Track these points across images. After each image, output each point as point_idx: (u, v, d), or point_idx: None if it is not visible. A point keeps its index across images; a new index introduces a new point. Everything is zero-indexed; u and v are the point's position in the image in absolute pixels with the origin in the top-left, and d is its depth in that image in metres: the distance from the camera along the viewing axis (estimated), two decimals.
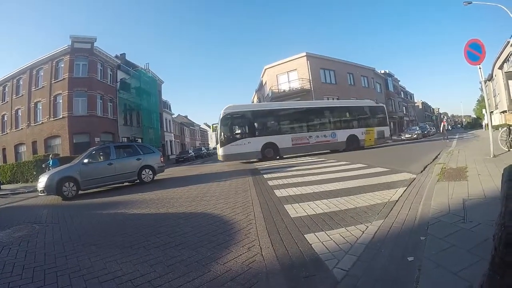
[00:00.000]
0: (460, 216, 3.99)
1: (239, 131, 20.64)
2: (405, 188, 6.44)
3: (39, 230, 6.00)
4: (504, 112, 52.52)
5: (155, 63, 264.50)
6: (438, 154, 13.98)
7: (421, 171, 8.98)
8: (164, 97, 50.81)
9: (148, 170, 13.04)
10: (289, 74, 38.29)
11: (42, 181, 10.92)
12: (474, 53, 10.10)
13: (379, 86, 54.81)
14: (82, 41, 31.20)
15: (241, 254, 3.55)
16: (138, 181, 12.84)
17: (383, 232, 3.83)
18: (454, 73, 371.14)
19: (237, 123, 20.83)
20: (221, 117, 19.62)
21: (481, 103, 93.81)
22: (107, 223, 6.05)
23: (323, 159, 17.22)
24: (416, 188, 6.27)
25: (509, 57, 43.21)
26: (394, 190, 6.33)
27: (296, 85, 36.98)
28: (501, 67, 50.81)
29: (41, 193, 10.96)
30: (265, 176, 11.10)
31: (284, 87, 37.86)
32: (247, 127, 20.87)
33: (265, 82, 42.65)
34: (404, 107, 76.15)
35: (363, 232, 3.89)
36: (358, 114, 25.55)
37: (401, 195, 5.75)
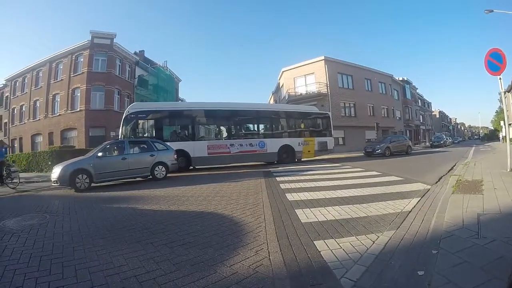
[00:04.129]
0: (474, 231, 3.90)
1: (145, 135, 17.16)
2: (418, 198, 6.37)
3: (49, 220, 6.04)
4: None
5: (173, 61, 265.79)
6: (454, 165, 13.90)
7: (436, 182, 8.88)
8: (180, 95, 51.05)
9: (161, 166, 13.00)
10: (307, 78, 38.02)
11: (55, 172, 10.98)
12: (495, 63, 9.90)
13: (396, 93, 54.12)
14: (102, 37, 31.41)
15: (248, 257, 3.51)
16: (151, 177, 12.81)
17: (394, 243, 3.76)
18: (473, 83, 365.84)
19: (143, 125, 17.61)
20: (123, 117, 16.54)
21: (499, 114, 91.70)
22: (116, 217, 6.03)
23: (338, 164, 17.18)
24: (430, 200, 6.18)
25: None
26: (408, 200, 6.26)
27: (313, 88, 36.74)
28: None
29: (54, 183, 11.03)
30: (278, 179, 11.06)
31: (301, 90, 37.80)
32: (154, 130, 17.36)
33: (282, 85, 42.63)
34: (421, 116, 75.17)
35: (373, 242, 3.83)
36: (296, 121, 22.43)
37: (414, 206, 5.69)
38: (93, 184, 11.44)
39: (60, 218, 6.17)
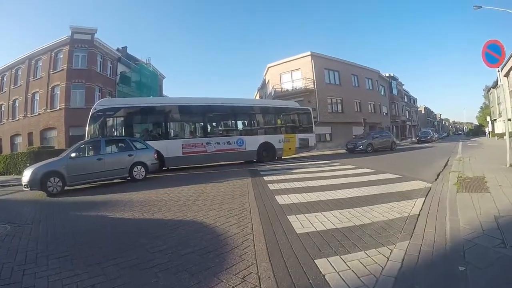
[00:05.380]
0: (498, 238, 3.36)
1: (112, 133, 15.81)
2: (423, 199, 5.77)
3: (8, 232, 5.29)
4: None
5: (157, 58, 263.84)
6: (447, 161, 13.47)
7: (435, 179, 8.33)
8: (165, 92, 49.99)
9: (140, 167, 12.17)
10: (293, 73, 37.52)
11: (26, 175, 10.05)
12: (493, 55, 9.54)
13: (383, 89, 54.25)
14: (82, 32, 30.31)
15: (233, 287, 2.73)
16: (129, 178, 11.99)
17: (412, 259, 3.06)
18: (456, 80, 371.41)
19: (112, 123, 16.08)
20: (90, 114, 15.18)
21: (484, 110, 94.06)
22: (82, 228, 5.25)
23: (327, 161, 16.63)
24: (436, 200, 5.60)
25: None
26: (412, 201, 5.63)
27: (299, 84, 36.23)
28: (507, 74, 50.56)
29: (25, 187, 10.12)
30: (265, 178, 10.37)
31: (287, 86, 37.25)
32: (123, 129, 16.10)
33: (268, 81, 41.96)
34: (407, 112, 75.84)
35: (387, 258, 3.11)
36: (276, 117, 21.53)
37: (421, 208, 5.05)
38: (66, 188, 10.50)
39: (20, 230, 5.40)
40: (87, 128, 15.05)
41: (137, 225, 5.31)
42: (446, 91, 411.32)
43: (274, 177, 10.41)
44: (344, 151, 26.90)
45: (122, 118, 16.25)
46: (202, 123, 18.97)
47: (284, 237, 4.01)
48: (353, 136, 36.75)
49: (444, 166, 11.65)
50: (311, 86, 35.61)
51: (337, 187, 7.58)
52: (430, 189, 6.71)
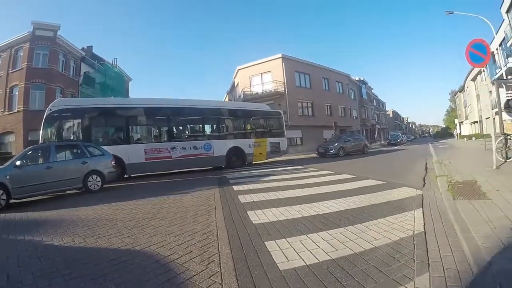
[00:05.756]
0: None
1: (70, 139, 14.09)
2: (420, 210, 5.10)
3: None
4: (505, 121, 54.03)
5: (124, 61, 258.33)
6: (426, 164, 13.11)
7: (423, 185, 7.72)
8: (131, 95, 48.26)
9: (96, 176, 10.86)
10: (263, 76, 36.79)
11: None
12: (478, 54, 9.29)
13: (353, 93, 54.59)
14: (44, 28, 28.54)
15: None
16: (85, 189, 10.70)
17: None
18: (423, 84, 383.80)
19: (68, 126, 14.58)
20: (44, 116, 13.80)
21: (450, 113, 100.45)
22: (5, 263, 3.91)
23: (300, 166, 15.90)
24: (435, 210, 4.97)
25: (484, 69, 43.90)
26: (409, 213, 4.91)
27: (269, 87, 35.60)
28: (474, 79, 52.20)
29: None
30: (235, 187, 9.34)
31: (257, 89, 36.42)
32: (81, 132, 14.35)
33: (237, 84, 41.09)
34: (376, 115, 77.30)
35: None
36: (246, 120, 20.60)
37: (423, 223, 4.32)
38: (12, 201, 9.01)
39: None
40: (41, 132, 13.52)
41: (73, 256, 4.00)
42: (413, 95, 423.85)
43: (245, 186, 9.43)
44: (315, 155, 26.23)
45: (79, 120, 14.50)
46: (167, 127, 17.60)
47: (264, 277, 2.91)
48: (324, 140, 36.54)
49: (426, 170, 11.26)
50: (281, 89, 35.03)
51: (319, 198, 6.71)
52: (423, 197, 6.10)
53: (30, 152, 10.26)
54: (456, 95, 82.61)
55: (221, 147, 18.09)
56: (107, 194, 10.20)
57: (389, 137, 53.06)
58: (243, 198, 7.32)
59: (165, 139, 17.03)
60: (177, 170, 16.98)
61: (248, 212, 5.86)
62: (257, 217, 5.40)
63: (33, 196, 9.68)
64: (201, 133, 18.67)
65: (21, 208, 8.48)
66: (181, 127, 18.74)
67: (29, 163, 9.77)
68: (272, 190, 8.25)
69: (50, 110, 13.85)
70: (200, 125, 19.06)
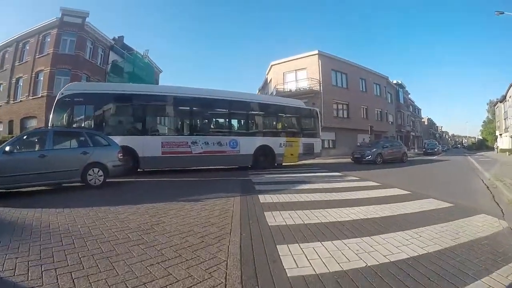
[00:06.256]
0: None
1: (80, 124, 12.84)
2: None
3: None
4: None
5: (157, 54, 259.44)
6: (483, 181, 11.33)
7: (503, 214, 5.79)
8: None
9: (97, 169, 9.25)
10: (297, 73, 34.76)
11: None
12: None
13: (390, 97, 51.80)
14: (73, 15, 27.92)
15: None
16: (84, 183, 9.14)
17: None
18: (459, 93, 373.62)
19: (80, 111, 13.07)
20: (56, 100, 12.56)
21: (487, 124, 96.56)
22: None
23: (338, 173, 14.00)
24: None
25: None
26: None
27: (304, 85, 33.54)
28: None
29: None
30: (262, 198, 7.26)
31: (291, 86, 34.47)
32: (93, 119, 13.07)
33: (270, 80, 39.25)
34: (412, 122, 74.14)
35: None
36: (278, 117, 18.62)
37: None
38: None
39: None
40: (50, 117, 12.34)
41: None
42: (447, 103, 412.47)
43: (275, 197, 7.38)
44: (349, 160, 24.16)
45: (92, 106, 13.15)
46: (188, 118, 15.79)
47: None
48: (358, 145, 34.62)
49: (488, 189, 9.40)
50: (316, 87, 32.91)
51: (379, 225, 4.88)
52: None
53: (25, 137, 9.00)
54: (496, 105, 77.58)
55: (248, 145, 16.27)
56: (107, 192, 8.65)
57: (426, 145, 50.34)
58: (271, 218, 5.32)
59: (186, 132, 15.34)
60: (197, 168, 15.35)
61: (279, 247, 3.83)
62: (294, 262, 3.36)
63: (22, 187, 8.36)
64: (226, 128, 16.83)
65: (5, 201, 7.08)
66: (204, 120, 16.71)
67: (22, 150, 8.41)
68: (311, 207, 6.24)
69: (62, 94, 12.50)
70: (226, 119, 17.20)
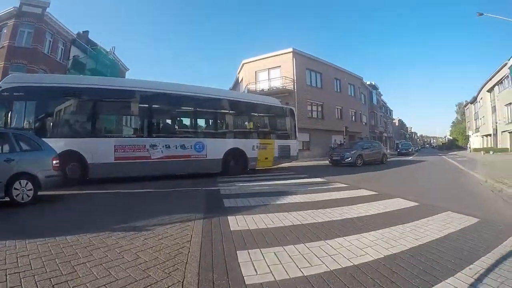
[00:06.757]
0: None
1: (23, 125, 10.77)
2: None
3: None
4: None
5: (123, 51, 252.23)
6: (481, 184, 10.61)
7: None
8: None
9: (25, 181, 7.15)
10: (271, 72, 33.29)
11: None
12: None
13: (363, 97, 51.38)
14: (32, 4, 25.56)
15: None
16: (9, 199, 7.00)
17: None
18: (427, 95, 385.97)
19: (20, 108, 10.94)
20: None
21: (456, 125, 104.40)
22: None
23: (322, 180, 12.42)
24: None
25: (504, 79, 42.26)
26: None
27: (277, 84, 32.08)
28: (490, 90, 50.04)
29: None
30: (232, 222, 5.34)
31: (263, 85, 32.94)
32: (35, 117, 11.01)
33: (242, 79, 37.54)
34: (384, 123, 75.26)
35: None
36: (251, 116, 16.88)
37: None
38: None
39: None
40: None
41: None
42: (416, 104, 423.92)
43: (249, 219, 5.51)
44: (327, 162, 23.07)
45: (34, 102, 11.09)
46: (147, 117, 13.37)
47: None
48: (331, 146, 34.35)
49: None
50: (290, 86, 31.59)
51: (402, 260, 3.45)
52: None
53: None
54: (467, 107, 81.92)
55: (217, 148, 14.38)
56: (32, 212, 6.57)
57: (400, 146, 51.01)
58: (249, 267, 3.33)
59: (144, 133, 13.03)
60: (157, 175, 12.96)
61: None
62: None
63: None
64: (191, 129, 14.76)
65: None
66: (165, 119, 14.79)
67: None
68: (306, 237, 4.43)
69: (0, 87, 10.45)
70: (191, 118, 15.08)
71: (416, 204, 6.93)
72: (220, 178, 13.33)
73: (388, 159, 26.57)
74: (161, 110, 14.19)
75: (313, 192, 8.87)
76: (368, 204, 6.88)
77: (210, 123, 15.78)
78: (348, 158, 20.39)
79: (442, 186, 10.91)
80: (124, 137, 12.90)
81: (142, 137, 12.82)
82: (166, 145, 12.89)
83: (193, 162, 13.60)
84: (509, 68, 38.28)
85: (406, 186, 10.59)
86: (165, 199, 8.50)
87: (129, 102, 13.00)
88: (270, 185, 10.81)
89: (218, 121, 15.83)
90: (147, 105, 13.28)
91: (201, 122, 15.85)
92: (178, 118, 15.03)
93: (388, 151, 59.16)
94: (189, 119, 15.12)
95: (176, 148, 13.16)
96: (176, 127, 14.67)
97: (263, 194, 8.69)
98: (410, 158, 34.73)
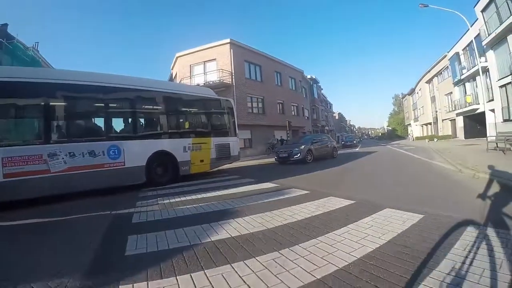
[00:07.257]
0: None
1: None
2: None
3: None
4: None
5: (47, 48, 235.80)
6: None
7: None
8: None
9: None
10: (206, 65, 30.68)
11: None
12: None
13: (304, 91, 50.34)
14: None
15: None
16: None
17: None
18: (362, 88, 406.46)
19: None
20: None
21: (393, 116, 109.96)
22: None
23: (274, 185, 9.75)
24: None
25: (443, 71, 43.56)
26: None
27: (214, 78, 29.51)
28: (429, 81, 52.00)
29: None
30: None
31: (199, 80, 30.17)
32: None
33: (176, 74, 34.40)
34: (325, 116, 76.46)
35: None
36: (180, 111, 13.64)
37: None
38: None
39: None
40: None
41: None
42: (352, 97, 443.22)
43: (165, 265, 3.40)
44: (272, 160, 20.95)
45: None
46: (44, 117, 9.27)
47: None
48: (269, 142, 32.97)
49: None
50: (228, 80, 29.18)
51: None
52: None
53: None
54: (405, 98, 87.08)
55: (137, 153, 11.04)
56: None
57: (344, 138, 52.78)
58: None
59: (39, 139, 9.16)
60: (61, 193, 9.26)
61: None
62: None
63: None
64: (103, 130, 10.75)
65: None
66: (68, 119, 10.18)
67: None
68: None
69: None
70: (103, 115, 10.91)
71: (422, 214, 4.88)
72: (144, 190, 10.35)
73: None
74: (61, 106, 9.98)
75: (268, 209, 6.09)
76: (349, 224, 4.57)
77: (128, 121, 11.83)
78: (297, 154, 18.34)
79: (421, 181, 9.07)
80: (14, 145, 8.66)
81: (37, 144, 9.00)
82: (69, 153, 9.34)
83: (107, 172, 10.11)
84: (449, 60, 39.07)
85: (388, 187, 8.32)
86: (41, 238, 5.26)
87: (16, 96, 9.00)
88: (208, 198, 8.03)
89: (138, 118, 12.31)
90: (41, 100, 9.36)
91: (115, 120, 11.67)
92: (84, 117, 10.94)
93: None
94: (99, 117, 11.08)
95: (83, 156, 9.64)
96: (83, 127, 10.72)
97: (195, 218, 5.82)
98: (356, 149, 34.21)
